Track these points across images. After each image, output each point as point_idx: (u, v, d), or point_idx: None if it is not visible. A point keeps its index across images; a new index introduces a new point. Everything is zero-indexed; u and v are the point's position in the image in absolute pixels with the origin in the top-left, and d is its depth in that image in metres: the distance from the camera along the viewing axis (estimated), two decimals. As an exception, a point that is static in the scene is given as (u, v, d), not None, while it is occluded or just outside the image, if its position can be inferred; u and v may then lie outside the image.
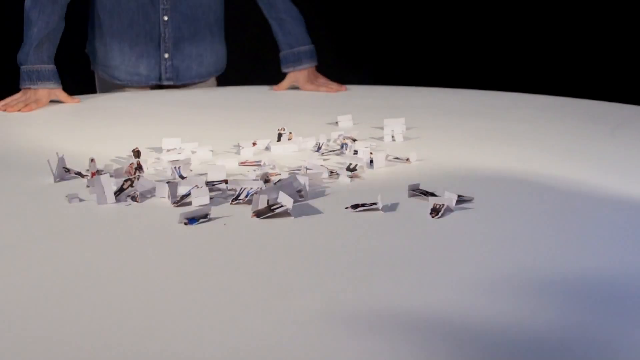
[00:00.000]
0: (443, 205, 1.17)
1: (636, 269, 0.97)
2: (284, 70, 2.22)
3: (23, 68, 2.01)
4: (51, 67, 2.02)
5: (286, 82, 2.22)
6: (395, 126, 1.67)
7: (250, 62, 2.97)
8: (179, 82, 2.19)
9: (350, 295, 0.90)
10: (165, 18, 2.10)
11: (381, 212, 1.17)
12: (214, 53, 2.25)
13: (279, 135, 1.58)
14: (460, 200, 1.20)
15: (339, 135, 1.60)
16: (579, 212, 1.18)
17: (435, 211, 1.16)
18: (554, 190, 1.28)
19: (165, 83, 2.18)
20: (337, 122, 1.78)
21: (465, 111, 1.96)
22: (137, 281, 0.93)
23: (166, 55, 2.12)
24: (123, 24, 2.13)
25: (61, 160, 1.34)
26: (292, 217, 1.14)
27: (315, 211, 1.17)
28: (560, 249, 1.04)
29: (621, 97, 2.14)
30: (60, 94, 2.02)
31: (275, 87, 2.22)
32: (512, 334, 0.81)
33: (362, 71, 2.34)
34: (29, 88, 1.99)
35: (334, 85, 2.20)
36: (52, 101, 2.00)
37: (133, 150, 1.43)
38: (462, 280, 0.93)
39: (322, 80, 2.23)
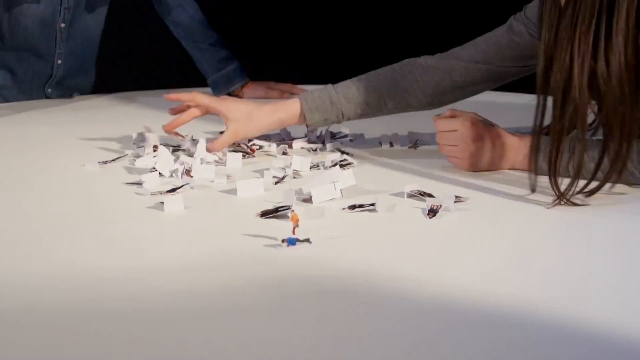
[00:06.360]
0: (440, 205, 1.17)
1: (636, 265, 0.98)
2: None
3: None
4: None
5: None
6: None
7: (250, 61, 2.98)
8: None
9: (349, 295, 0.90)
10: (59, 62, 2.07)
11: (378, 212, 1.17)
12: (87, 81, 2.22)
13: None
14: (457, 200, 1.21)
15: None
16: (578, 211, 1.18)
17: (432, 212, 1.16)
18: (552, 190, 1.28)
19: None
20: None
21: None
22: (137, 281, 0.94)
23: (49, 90, 2.10)
24: (13, 57, 2.05)
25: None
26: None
27: (314, 211, 1.18)
28: (560, 249, 1.04)
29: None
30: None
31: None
32: (511, 334, 0.81)
33: (362, 71, 2.33)
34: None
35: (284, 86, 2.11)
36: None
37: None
38: (460, 281, 0.94)
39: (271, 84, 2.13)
